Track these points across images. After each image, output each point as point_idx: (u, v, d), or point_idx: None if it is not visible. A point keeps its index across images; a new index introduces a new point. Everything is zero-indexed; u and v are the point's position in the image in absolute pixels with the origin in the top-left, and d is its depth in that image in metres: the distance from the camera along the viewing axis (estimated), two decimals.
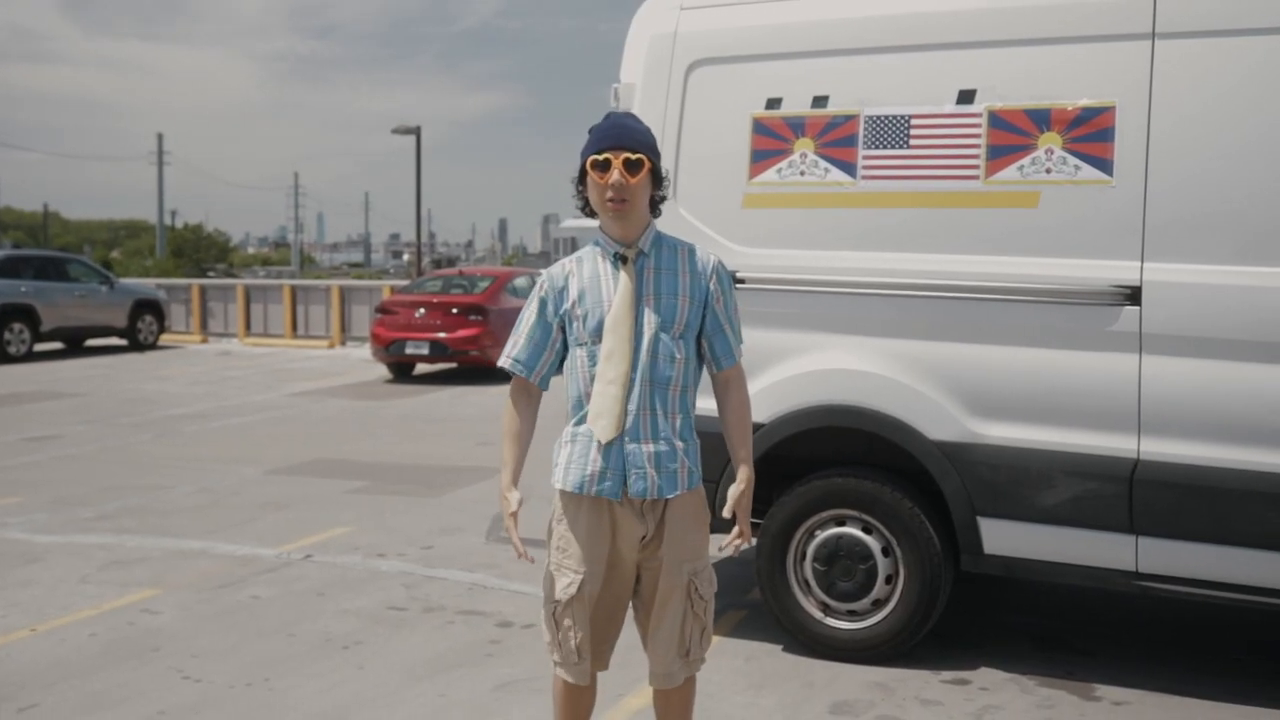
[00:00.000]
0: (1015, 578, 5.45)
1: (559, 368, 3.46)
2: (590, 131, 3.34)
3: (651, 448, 3.29)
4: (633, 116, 3.40)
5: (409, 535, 7.47)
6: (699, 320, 3.38)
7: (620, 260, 3.33)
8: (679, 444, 3.33)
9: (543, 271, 3.50)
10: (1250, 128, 4.44)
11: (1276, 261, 4.37)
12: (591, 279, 3.35)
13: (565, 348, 3.42)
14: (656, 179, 3.36)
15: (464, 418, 12.99)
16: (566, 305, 3.37)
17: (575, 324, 3.35)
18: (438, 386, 16.05)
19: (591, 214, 3.39)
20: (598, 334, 3.30)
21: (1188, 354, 4.49)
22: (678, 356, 3.32)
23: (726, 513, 3.43)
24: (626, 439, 3.28)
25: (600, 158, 3.26)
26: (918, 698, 4.73)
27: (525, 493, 3.41)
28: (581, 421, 3.33)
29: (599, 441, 3.28)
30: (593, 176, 3.28)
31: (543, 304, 3.41)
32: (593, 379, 3.31)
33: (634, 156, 3.26)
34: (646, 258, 3.34)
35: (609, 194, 3.26)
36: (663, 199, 3.42)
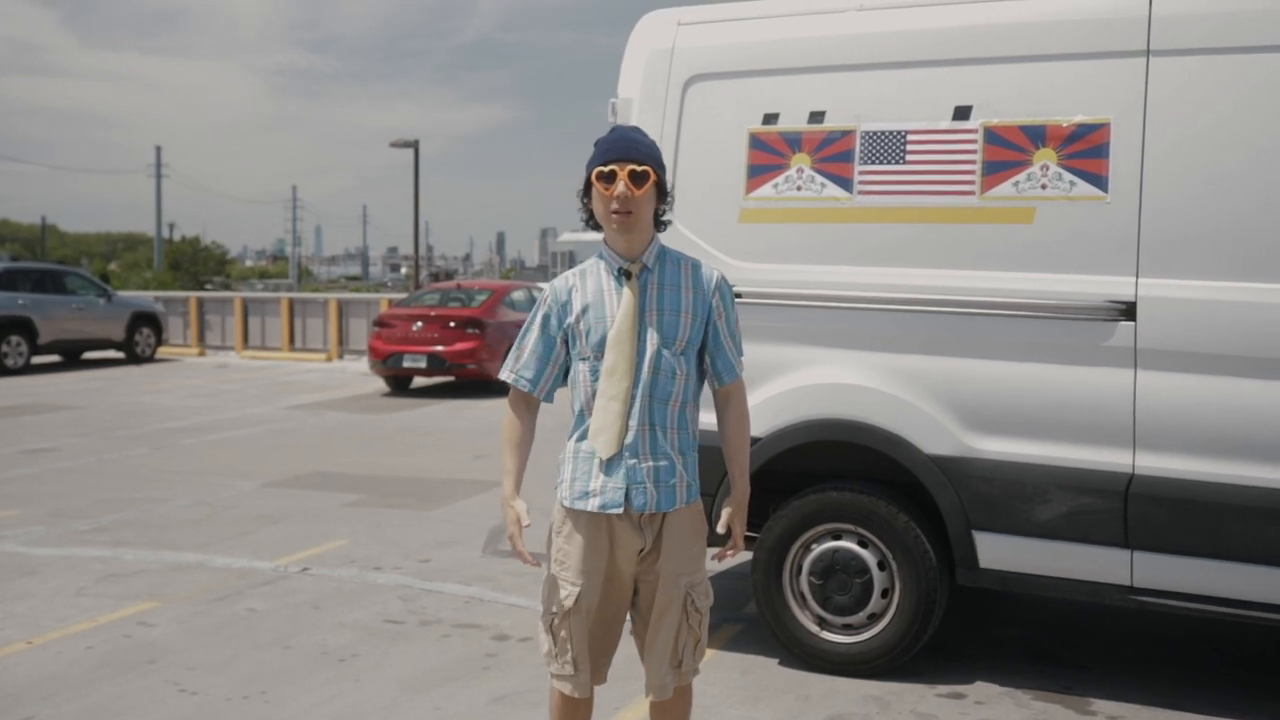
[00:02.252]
0: (1011, 592, 5.47)
1: (564, 380, 3.48)
2: (596, 144, 3.35)
3: (651, 463, 3.30)
4: (639, 130, 3.41)
5: (406, 548, 7.47)
6: (700, 336, 3.40)
7: (624, 275, 3.34)
8: (678, 458, 3.35)
9: (544, 285, 3.50)
10: (1245, 144, 4.46)
11: (1271, 277, 4.40)
12: (595, 293, 3.36)
13: (569, 361, 3.44)
14: (661, 193, 3.37)
15: (461, 431, 13.00)
16: (570, 319, 3.38)
17: (578, 338, 3.36)
18: (435, 400, 16.06)
19: (596, 227, 3.39)
20: (600, 349, 3.31)
21: (1183, 369, 4.51)
22: (678, 373, 3.33)
23: (721, 528, 3.45)
24: (627, 454, 3.29)
25: (606, 169, 3.27)
26: (913, 711, 4.74)
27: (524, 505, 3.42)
28: (583, 437, 3.34)
29: (600, 457, 3.30)
30: (598, 188, 3.29)
31: (546, 318, 3.42)
32: (595, 394, 3.32)
33: (640, 168, 3.27)
34: (650, 273, 3.35)
35: (614, 205, 3.27)
36: (668, 216, 3.44)
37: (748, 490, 3.49)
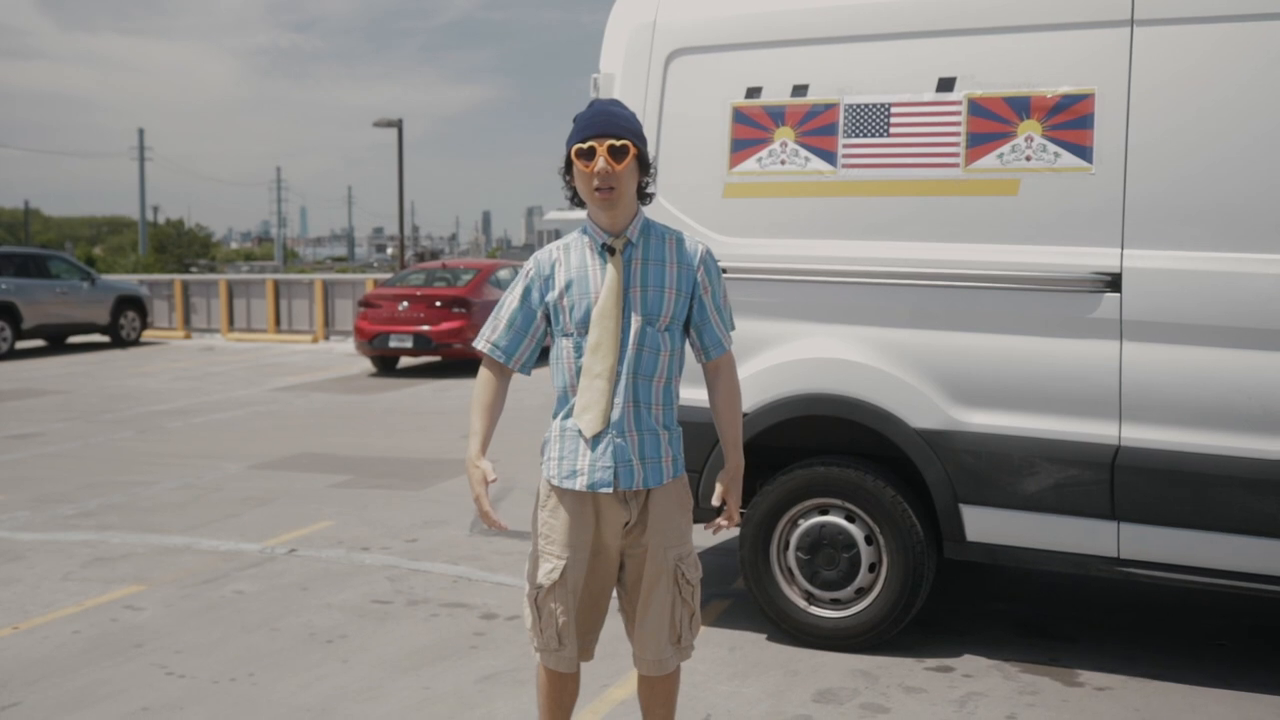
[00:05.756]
0: (998, 565, 5.47)
1: (541, 355, 3.45)
2: (575, 120, 3.32)
3: (637, 439, 3.29)
4: (618, 103, 3.38)
5: (393, 528, 7.45)
6: (685, 311, 3.37)
7: (608, 251, 3.31)
8: (663, 434, 3.34)
9: (529, 259, 3.48)
10: (1230, 114, 4.44)
11: (1256, 248, 4.39)
12: (579, 268, 3.33)
13: (548, 335, 3.41)
14: (644, 166, 3.33)
15: (447, 410, 12.97)
16: (553, 294, 3.35)
17: (562, 314, 3.33)
18: (421, 380, 16.02)
19: (580, 204, 3.37)
20: (584, 325, 3.29)
21: (1168, 340, 4.50)
22: (663, 349, 3.32)
23: (716, 501, 3.44)
24: (613, 432, 3.28)
25: (585, 145, 3.24)
26: (901, 685, 4.74)
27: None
28: (568, 415, 3.33)
29: (585, 435, 3.28)
30: (578, 165, 3.26)
31: (528, 290, 3.39)
32: (579, 371, 3.30)
33: (619, 143, 3.24)
34: (634, 248, 3.33)
35: (595, 182, 3.24)
36: (651, 189, 3.40)
37: (742, 463, 3.48)
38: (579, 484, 3.30)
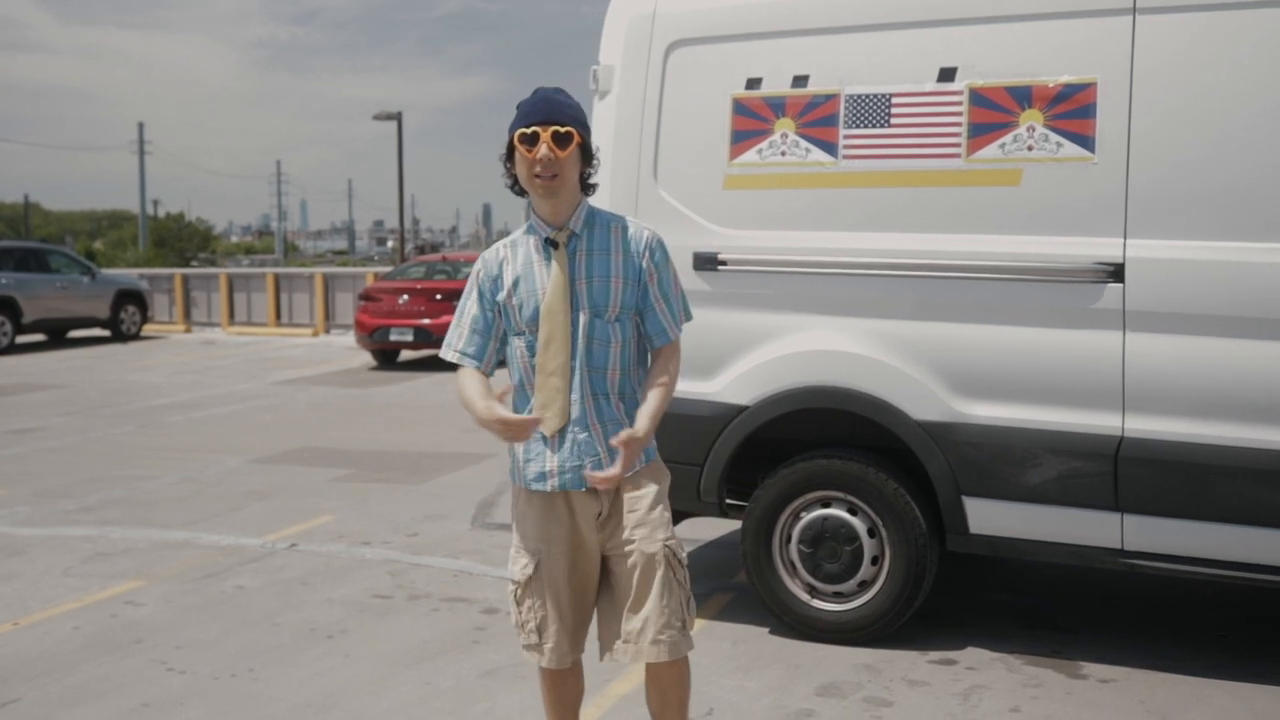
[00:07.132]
0: (1001, 557, 5.46)
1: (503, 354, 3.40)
2: (518, 106, 3.28)
3: (601, 431, 3.26)
4: (562, 91, 3.33)
5: (394, 523, 7.44)
6: (635, 299, 3.32)
7: (551, 245, 3.28)
8: (625, 424, 3.27)
9: (479, 258, 3.42)
10: (1232, 102, 4.42)
11: (1259, 237, 4.36)
12: (525, 265, 3.30)
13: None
14: (586, 155, 3.29)
15: (448, 404, 12.94)
16: (501, 294, 3.31)
17: (511, 313, 3.29)
18: (422, 373, 16.01)
19: (521, 192, 3.32)
20: (534, 323, 3.25)
21: (1171, 330, 4.48)
22: (613, 340, 3.27)
23: (615, 443, 3.21)
24: (576, 429, 3.24)
25: (528, 131, 3.19)
26: (905, 678, 4.73)
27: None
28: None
29: (547, 434, 3.25)
30: (520, 151, 3.22)
31: (481, 292, 3.35)
32: (533, 369, 3.27)
33: (563, 130, 3.19)
34: (578, 239, 3.29)
35: (537, 169, 3.20)
36: (594, 180, 3.35)
37: (648, 432, 3.24)
38: (549, 486, 3.28)
